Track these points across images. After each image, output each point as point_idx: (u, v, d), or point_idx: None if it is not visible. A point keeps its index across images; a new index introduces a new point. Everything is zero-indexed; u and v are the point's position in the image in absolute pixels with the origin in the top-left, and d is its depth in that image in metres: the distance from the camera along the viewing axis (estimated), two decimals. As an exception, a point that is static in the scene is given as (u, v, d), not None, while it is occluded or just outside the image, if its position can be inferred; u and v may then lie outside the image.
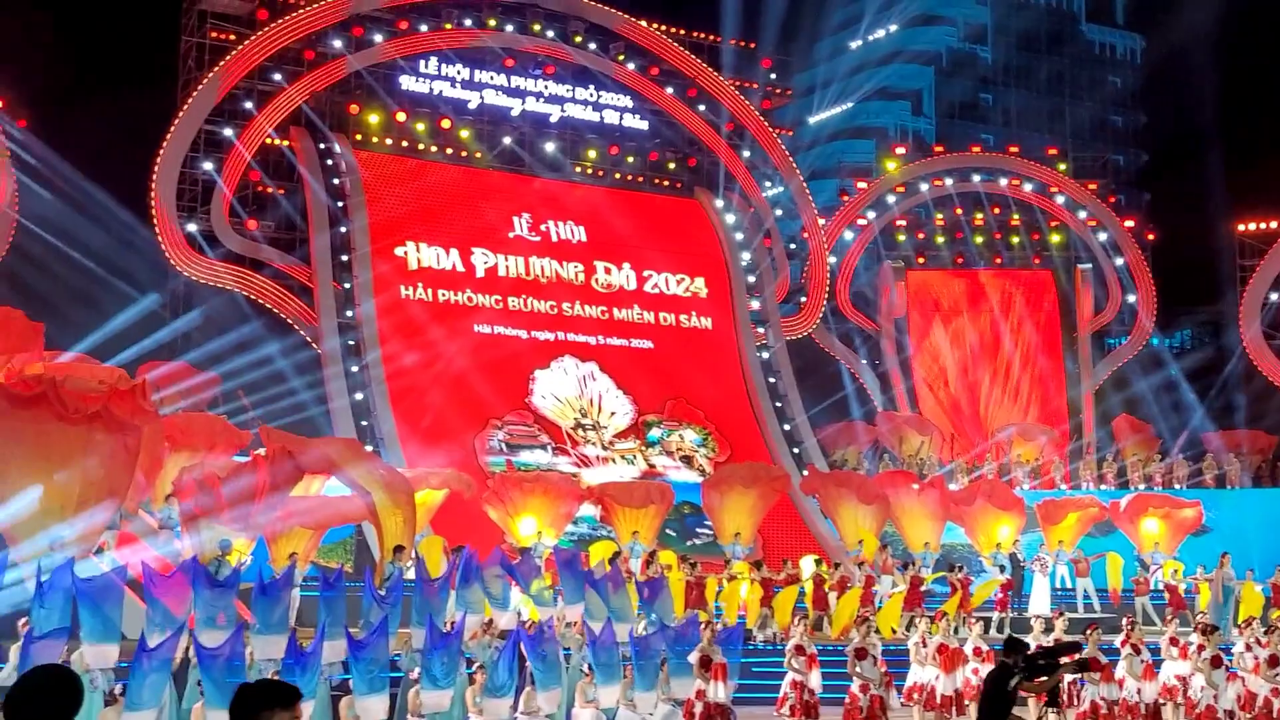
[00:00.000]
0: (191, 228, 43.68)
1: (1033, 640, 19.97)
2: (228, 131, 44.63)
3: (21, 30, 47.71)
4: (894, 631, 28.95)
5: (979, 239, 56.85)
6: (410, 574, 24.41)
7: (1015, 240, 56.85)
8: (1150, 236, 58.19)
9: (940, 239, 57.06)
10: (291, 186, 45.79)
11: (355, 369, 42.15)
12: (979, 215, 56.91)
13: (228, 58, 44.55)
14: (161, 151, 43.27)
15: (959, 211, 56.70)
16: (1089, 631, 21.92)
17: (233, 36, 45.53)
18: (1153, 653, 23.35)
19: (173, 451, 29.36)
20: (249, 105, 45.05)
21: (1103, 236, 56.20)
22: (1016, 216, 56.90)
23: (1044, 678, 13.51)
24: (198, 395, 37.30)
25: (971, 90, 68.77)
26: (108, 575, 19.04)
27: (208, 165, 44.32)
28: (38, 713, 6.10)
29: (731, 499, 36.01)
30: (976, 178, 56.57)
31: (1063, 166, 58.07)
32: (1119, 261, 56.06)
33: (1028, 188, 56.47)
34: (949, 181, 56.31)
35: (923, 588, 31.48)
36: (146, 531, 26.77)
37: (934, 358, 54.82)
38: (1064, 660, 13.86)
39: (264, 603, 19.70)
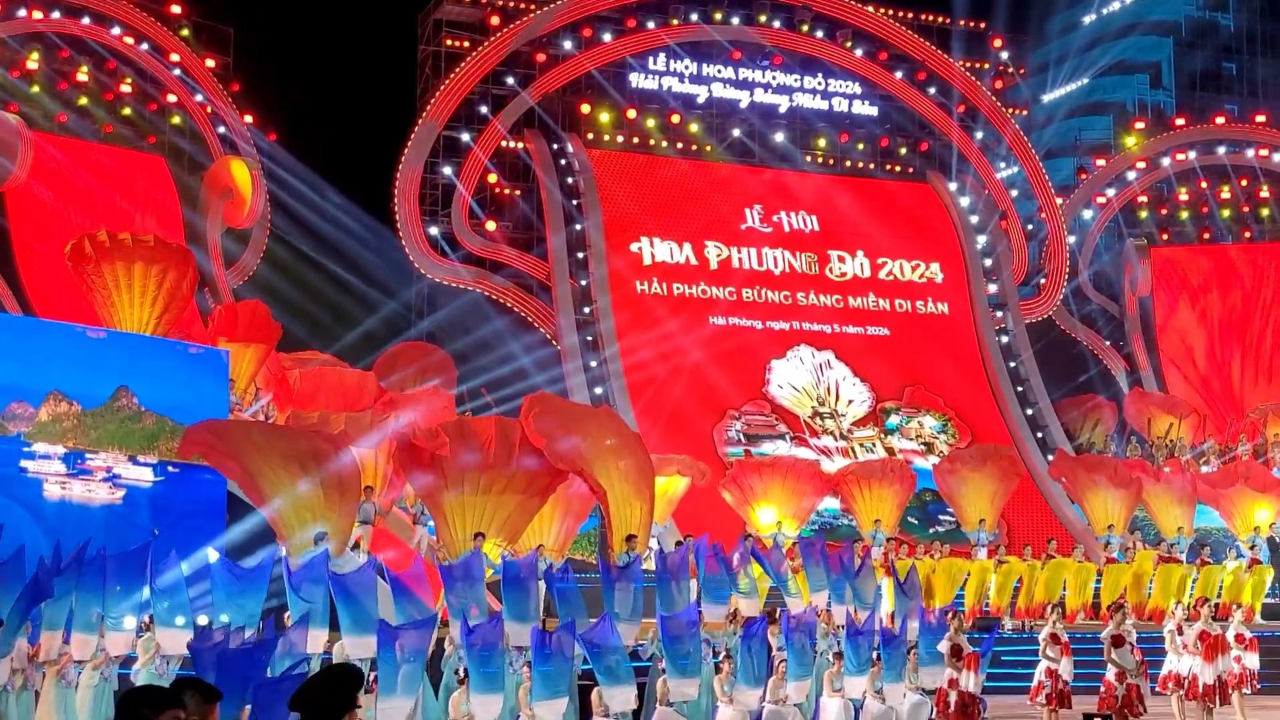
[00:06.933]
0: (433, 231, 44.85)
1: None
2: (465, 136, 45.69)
3: (265, 47, 49.62)
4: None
5: (1226, 213, 54.80)
6: (649, 564, 24.63)
7: (1265, 213, 54.67)
8: None
9: (1185, 214, 55.15)
10: (527, 187, 46.73)
11: (594, 364, 42.79)
12: (1225, 188, 54.83)
13: (463, 64, 45.63)
14: (402, 158, 44.56)
15: (1204, 185, 54.73)
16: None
17: (466, 43, 46.58)
18: None
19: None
20: (484, 110, 46.02)
21: (1361, 204, 53.77)
22: (1266, 188, 54.68)
23: None
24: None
25: (1213, 60, 66.15)
26: (361, 569, 19.68)
27: (447, 170, 45.45)
28: (331, 702, 6.57)
29: (969, 484, 35.20)
30: (1221, 149, 54.52)
31: (1314, 134, 55.59)
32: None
33: (1277, 158, 54.21)
34: (1192, 155, 54.35)
35: None
36: (401, 527, 27.63)
37: (1182, 337, 53.05)
38: None
39: (511, 592, 20.09)
